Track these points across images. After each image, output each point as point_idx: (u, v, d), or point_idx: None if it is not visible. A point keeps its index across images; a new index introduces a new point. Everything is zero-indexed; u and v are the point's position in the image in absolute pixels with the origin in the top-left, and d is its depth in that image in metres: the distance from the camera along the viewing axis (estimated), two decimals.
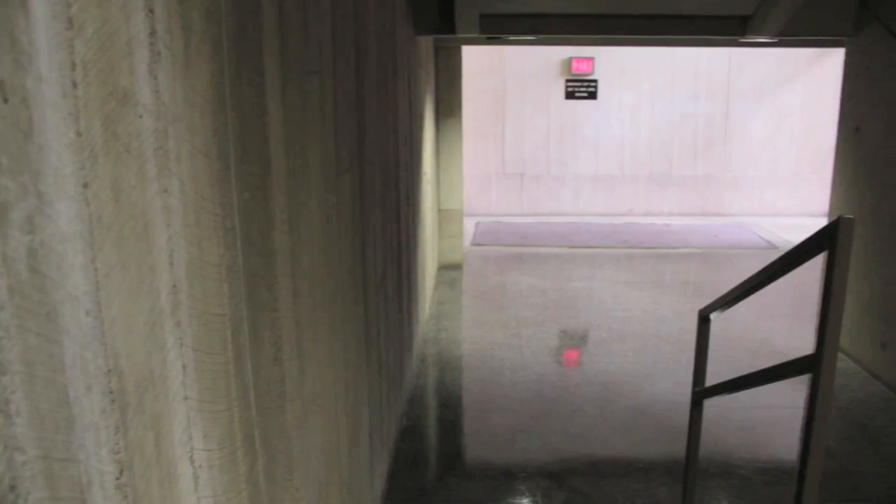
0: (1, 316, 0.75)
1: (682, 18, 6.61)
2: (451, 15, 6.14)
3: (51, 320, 0.85)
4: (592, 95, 13.13)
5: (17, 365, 0.78)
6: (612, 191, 13.52)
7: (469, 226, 11.85)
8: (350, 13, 2.90)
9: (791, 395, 5.30)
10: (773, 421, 5.17)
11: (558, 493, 4.24)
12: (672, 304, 8.01)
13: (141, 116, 1.09)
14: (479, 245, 10.97)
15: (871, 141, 6.12)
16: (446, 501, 4.20)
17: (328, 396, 2.47)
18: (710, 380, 3.24)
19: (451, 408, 5.60)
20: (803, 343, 6.43)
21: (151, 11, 1.11)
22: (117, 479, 1.01)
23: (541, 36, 7.23)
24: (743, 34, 6.62)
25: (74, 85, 0.91)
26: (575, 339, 7.27)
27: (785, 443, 4.94)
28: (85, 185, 0.93)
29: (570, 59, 12.93)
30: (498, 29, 6.78)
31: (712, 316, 3.21)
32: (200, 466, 1.32)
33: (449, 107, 9.06)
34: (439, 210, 9.19)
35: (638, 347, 6.73)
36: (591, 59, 12.94)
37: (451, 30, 6.37)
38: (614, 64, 13.01)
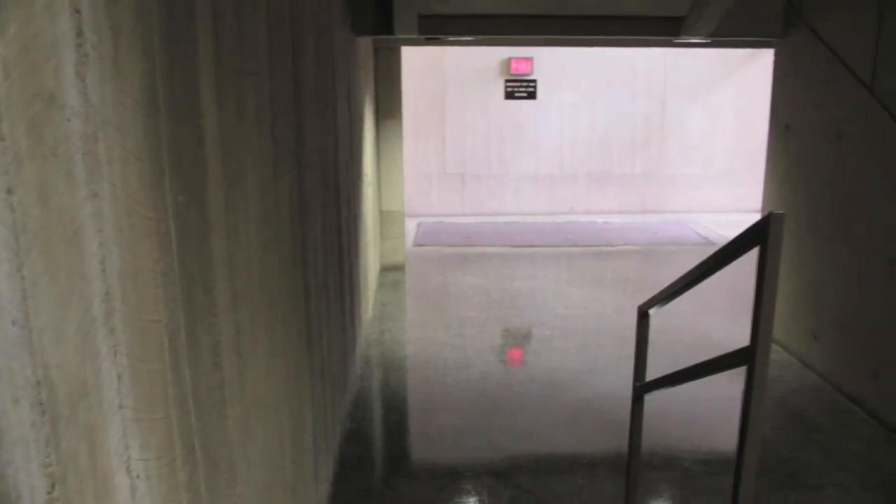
0: None
1: (619, 19, 6.71)
2: (390, 16, 6.13)
3: None
4: (532, 95, 13.24)
5: None
6: (552, 190, 13.65)
7: (411, 226, 11.85)
8: (286, 15, 2.87)
9: (730, 387, 5.41)
10: (714, 413, 5.28)
11: (504, 491, 4.27)
12: (613, 300, 8.12)
13: (69, 119, 1.06)
14: (422, 245, 10.98)
15: (800, 139, 6.29)
16: (392, 503, 4.19)
17: (270, 401, 2.45)
18: (652, 374, 3.29)
19: (395, 409, 5.59)
20: (741, 336, 6.56)
21: (78, 11, 1.08)
22: (49, 493, 0.98)
23: (480, 36, 7.27)
24: (677, 35, 6.75)
25: None
26: (518, 338, 7.32)
27: (725, 434, 5.04)
28: (9, 191, 0.90)
29: (509, 60, 13.01)
30: (437, 30, 6.79)
31: (651, 311, 3.26)
32: (138, 476, 1.30)
33: (389, 108, 9.04)
34: (381, 211, 9.16)
35: (580, 344, 6.81)
36: (530, 59, 13.04)
37: (390, 31, 6.36)
38: (553, 64, 13.14)
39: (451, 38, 7.43)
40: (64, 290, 1.04)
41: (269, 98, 2.48)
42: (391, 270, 9.29)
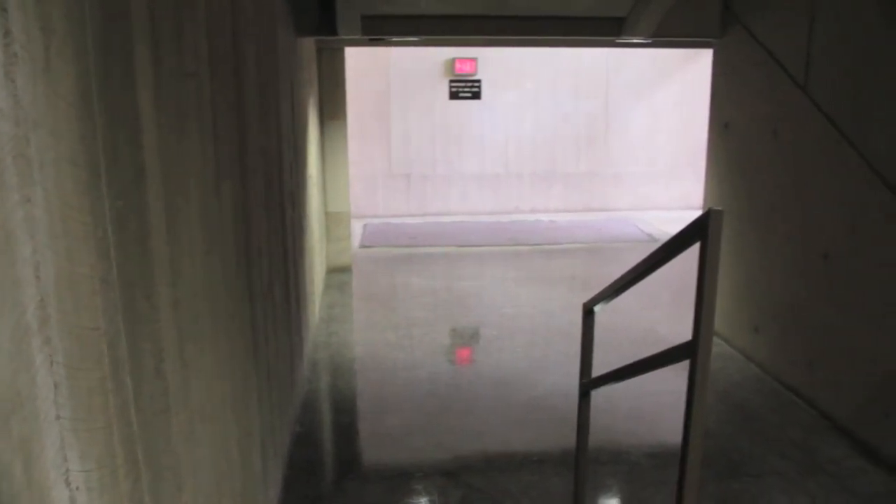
0: None
1: (561, 19, 6.77)
2: (333, 16, 6.09)
3: None
4: (476, 95, 13.29)
5: None
6: (498, 189, 13.72)
7: (357, 228, 11.79)
8: (227, 15, 2.83)
9: (675, 380, 5.50)
10: (659, 407, 5.36)
11: (455, 490, 4.27)
12: (560, 298, 8.20)
13: None
14: (368, 247, 10.93)
15: (738, 136, 6.43)
16: None
17: (216, 407, 2.41)
18: (598, 370, 3.33)
19: (345, 411, 5.56)
20: (685, 330, 6.69)
21: (5, 10, 1.05)
22: None
23: (423, 37, 7.27)
24: (619, 35, 6.84)
25: None
26: (466, 338, 7.34)
27: (670, 427, 5.12)
28: None
29: (453, 60, 13.04)
30: (380, 30, 6.77)
31: (597, 308, 3.29)
32: (77, 489, 1.26)
33: (333, 109, 8.99)
34: (326, 213, 9.10)
35: (528, 342, 6.86)
36: (474, 59, 13.09)
37: (333, 31, 6.32)
38: (498, 64, 13.21)
39: (394, 39, 7.42)
40: None
41: (211, 99, 2.44)
42: (338, 272, 9.23)
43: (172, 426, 1.85)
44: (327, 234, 9.17)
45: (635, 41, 7.02)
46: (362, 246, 10.95)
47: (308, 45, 7.31)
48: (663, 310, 7.58)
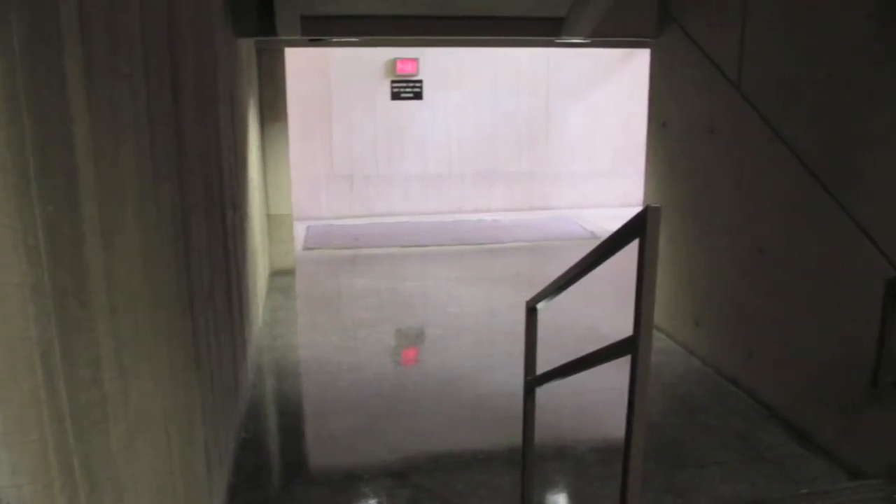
0: None
1: (501, 20, 6.80)
2: (272, 17, 6.02)
3: None
4: (418, 96, 13.29)
5: None
6: (440, 189, 13.74)
7: (300, 230, 11.68)
8: (162, 15, 2.78)
9: (618, 376, 5.58)
10: (604, 402, 5.42)
11: (402, 491, 4.26)
12: (504, 297, 8.24)
13: None
14: (312, 249, 10.85)
15: (675, 135, 6.55)
16: None
17: (157, 415, 2.36)
18: (543, 368, 3.35)
19: (290, 415, 5.50)
20: (627, 326, 6.79)
21: None
22: None
23: (364, 37, 7.23)
24: (558, 35, 6.91)
25: None
26: (411, 338, 7.33)
27: (615, 422, 5.19)
28: None
29: (394, 61, 13.02)
30: (320, 31, 6.72)
31: (540, 306, 3.32)
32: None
33: (274, 110, 8.89)
34: (268, 215, 9.00)
35: (473, 341, 6.88)
36: (415, 59, 13.09)
37: (273, 32, 6.24)
38: (439, 64, 13.23)
39: (335, 40, 7.37)
40: None
41: (146, 101, 2.39)
42: (281, 275, 9.14)
43: (111, 436, 1.81)
44: (270, 237, 9.07)
45: (574, 41, 7.09)
46: (305, 248, 10.86)
47: (247, 46, 7.22)
48: (606, 307, 7.67)
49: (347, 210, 13.40)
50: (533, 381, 3.38)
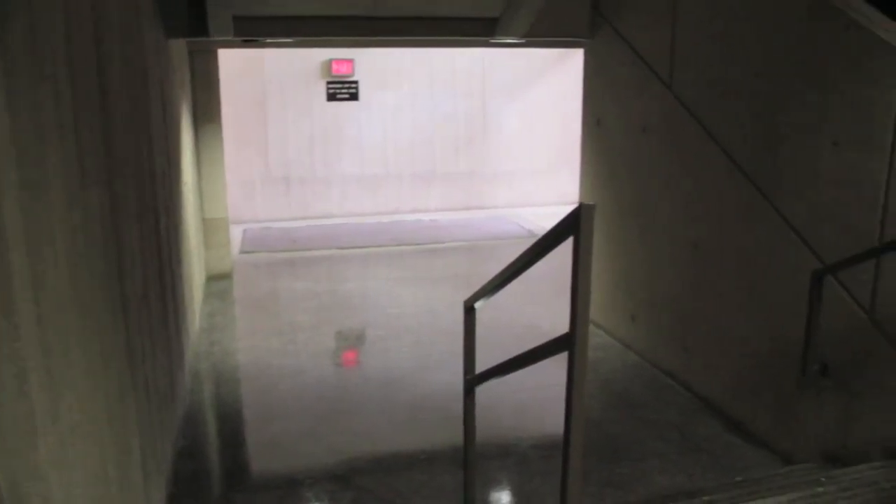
0: None
1: (436, 20, 6.81)
2: (204, 17, 5.91)
3: None
4: (354, 97, 13.23)
5: None
6: (378, 190, 13.70)
7: (236, 233, 11.52)
8: (88, 16, 2.70)
9: (558, 373, 5.64)
10: (544, 399, 5.46)
11: (345, 493, 4.24)
12: (443, 296, 8.26)
13: None
14: (249, 252, 10.71)
15: (610, 133, 6.65)
16: None
17: (91, 426, 2.30)
18: (483, 366, 3.36)
19: (230, 421, 5.43)
20: (566, 323, 6.87)
21: None
22: None
23: (298, 38, 7.17)
24: (492, 35, 6.95)
25: None
26: (352, 340, 7.30)
27: (555, 418, 5.22)
28: None
29: (330, 61, 12.93)
30: (253, 31, 6.63)
31: (478, 305, 3.33)
32: None
33: (207, 112, 8.75)
34: (203, 219, 8.85)
35: (414, 342, 6.88)
36: (351, 60, 13.02)
37: (205, 33, 6.13)
38: (375, 65, 13.19)
39: (269, 41, 7.28)
40: None
41: (72, 103, 2.33)
42: (218, 280, 9.00)
43: (40, 450, 1.76)
44: (205, 241, 8.92)
45: (509, 41, 7.15)
46: (242, 252, 10.71)
47: (179, 46, 7.09)
48: (546, 304, 7.73)
49: (284, 212, 13.26)
50: (472, 380, 3.39)
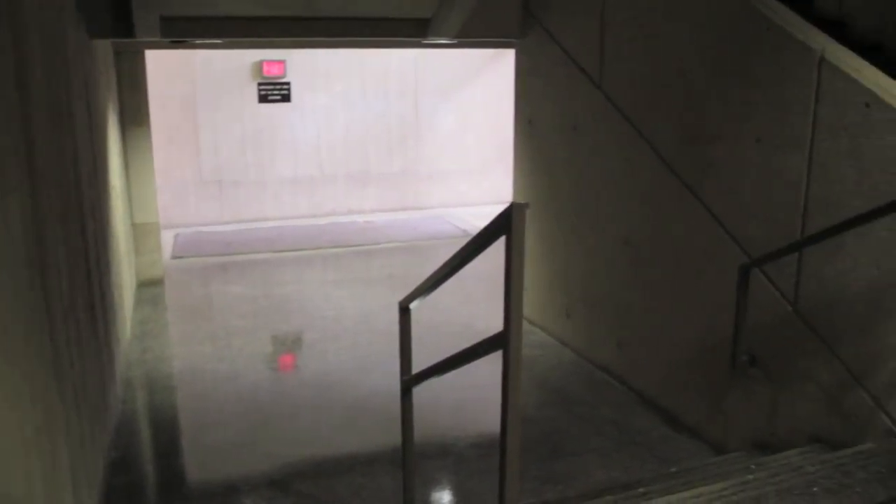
0: None
1: (367, 21, 6.79)
2: (129, 17, 5.77)
3: None
4: (286, 98, 13.09)
5: None
6: (312, 192, 13.59)
7: (168, 238, 11.29)
8: (2, 13, 2.62)
9: (496, 371, 5.68)
10: (482, 397, 5.48)
11: (284, 499, 4.20)
12: (380, 298, 8.24)
13: None
14: (181, 257, 10.50)
15: (542, 133, 6.72)
16: None
17: (14, 441, 2.23)
18: (420, 367, 3.36)
19: (164, 430, 5.32)
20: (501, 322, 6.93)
21: None
22: None
23: (228, 39, 7.06)
24: (424, 36, 6.96)
25: None
26: (288, 344, 7.23)
27: (493, 416, 5.25)
28: None
29: (261, 63, 12.77)
30: (181, 32, 6.51)
31: (413, 306, 3.33)
32: None
33: (135, 115, 8.56)
34: (133, 224, 8.65)
35: (351, 344, 6.84)
36: (282, 61, 12.88)
37: (130, 33, 5.99)
38: (307, 66, 13.07)
39: (198, 41, 7.16)
40: None
41: None
42: (149, 286, 8.81)
43: None
44: (136, 247, 8.73)
45: (441, 42, 7.17)
46: (174, 257, 10.50)
47: (104, 47, 6.91)
48: (483, 303, 7.79)
49: (217, 216, 13.05)
50: (409, 380, 3.39)
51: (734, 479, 3.27)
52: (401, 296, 3.43)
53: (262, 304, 8.23)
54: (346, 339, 6.98)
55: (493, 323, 2.01)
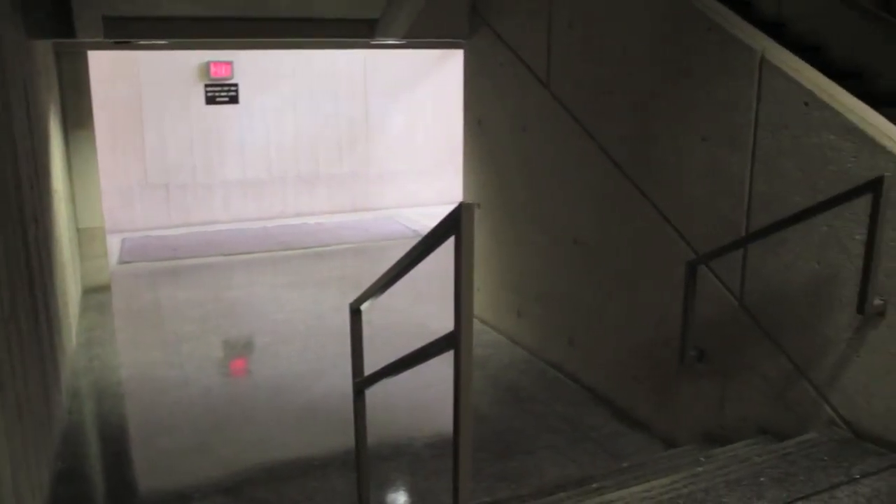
0: None
1: (315, 21, 6.74)
2: (70, 17, 5.65)
3: None
4: (234, 100, 12.93)
5: None
6: (262, 194, 13.45)
7: (114, 243, 11.07)
8: None
9: (449, 371, 5.69)
10: (436, 397, 5.49)
11: None
12: (331, 300, 8.19)
13: None
14: (128, 262, 10.31)
15: (492, 133, 6.75)
16: None
17: None
18: (374, 368, 3.35)
19: (112, 439, 5.21)
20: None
21: None
22: None
23: (173, 40, 6.95)
24: (372, 36, 6.94)
25: None
26: (239, 348, 7.15)
27: (448, 416, 5.27)
28: None
29: (208, 64, 12.59)
30: (124, 33, 6.38)
31: (364, 307, 3.32)
32: None
33: (78, 117, 8.38)
34: (78, 229, 8.47)
35: (303, 347, 6.80)
36: (229, 63, 12.72)
37: (71, 33, 5.86)
38: (254, 68, 12.93)
39: (142, 42, 7.03)
40: None
41: None
42: (96, 292, 8.62)
43: None
44: (81, 252, 8.54)
45: (389, 42, 7.15)
46: (121, 262, 10.30)
47: (44, 48, 6.75)
48: (435, 304, 7.79)
49: (165, 220, 12.83)
50: (361, 382, 3.38)
51: (684, 472, 3.32)
52: (352, 297, 3.42)
53: (212, 308, 8.12)
54: (298, 341, 6.93)
55: (446, 323, 2.01)
